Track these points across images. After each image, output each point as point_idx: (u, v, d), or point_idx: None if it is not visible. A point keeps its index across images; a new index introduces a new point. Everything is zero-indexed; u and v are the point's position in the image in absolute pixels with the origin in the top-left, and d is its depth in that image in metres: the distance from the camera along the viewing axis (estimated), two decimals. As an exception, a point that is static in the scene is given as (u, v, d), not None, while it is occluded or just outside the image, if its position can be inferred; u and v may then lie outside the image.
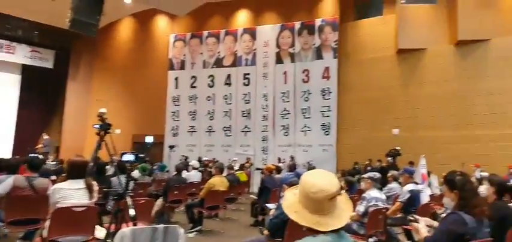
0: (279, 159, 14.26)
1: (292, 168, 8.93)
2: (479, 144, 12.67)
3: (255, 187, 12.39)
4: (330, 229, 1.71)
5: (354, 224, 4.98)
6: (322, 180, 1.76)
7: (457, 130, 13.27)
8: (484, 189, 4.37)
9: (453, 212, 2.93)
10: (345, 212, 1.79)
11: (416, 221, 3.02)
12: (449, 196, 3.06)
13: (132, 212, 3.38)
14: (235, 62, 17.36)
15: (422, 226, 3.00)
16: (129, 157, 3.68)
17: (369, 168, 11.07)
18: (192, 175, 9.55)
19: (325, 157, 14.91)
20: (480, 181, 7.18)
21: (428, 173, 8.64)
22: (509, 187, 4.89)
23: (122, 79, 19.36)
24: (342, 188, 2.06)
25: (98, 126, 3.66)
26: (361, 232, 4.86)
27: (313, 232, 1.74)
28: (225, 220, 8.44)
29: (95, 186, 3.88)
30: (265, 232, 4.11)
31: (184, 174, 9.17)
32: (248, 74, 17.05)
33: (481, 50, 13.25)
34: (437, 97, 13.80)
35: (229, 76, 17.40)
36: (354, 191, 7.27)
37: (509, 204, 4.55)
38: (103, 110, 3.77)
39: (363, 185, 5.79)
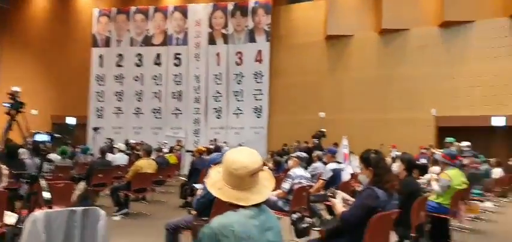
0: (211, 141, 14.24)
1: (217, 149, 9.02)
2: (397, 126, 13.78)
3: (186, 170, 12.24)
4: (250, 204, 1.75)
5: (280, 201, 5.16)
6: (244, 156, 1.79)
7: (378, 113, 14.28)
8: (396, 166, 4.77)
9: (368, 187, 3.16)
10: (266, 188, 1.84)
11: (333, 196, 3.22)
12: (365, 173, 3.28)
13: (46, 195, 3.15)
14: (166, 41, 16.81)
15: (339, 201, 3.21)
16: (43, 137, 3.37)
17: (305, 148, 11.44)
18: (118, 158, 9.18)
19: (257, 139, 15.19)
20: (394, 159, 7.82)
21: (351, 153, 9.21)
22: (417, 165, 5.38)
23: (39, 56, 17.78)
24: (264, 164, 2.12)
25: (8, 105, 3.33)
26: (286, 208, 5.06)
27: (235, 207, 1.77)
28: (153, 202, 8.26)
29: (4, 170, 3.55)
30: (193, 211, 4.10)
31: (110, 156, 8.79)
32: (179, 54, 16.64)
33: (401, 39, 14.31)
34: (361, 83, 14.67)
35: (159, 55, 16.82)
36: (281, 170, 7.54)
37: (417, 180, 5.03)
38: (16, 88, 3.43)
39: (290, 163, 6.02)
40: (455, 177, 5.31)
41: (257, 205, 1.79)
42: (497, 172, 9.73)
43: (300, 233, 4.65)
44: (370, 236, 2.91)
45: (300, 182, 5.23)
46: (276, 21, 16.16)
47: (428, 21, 13.95)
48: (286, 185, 5.18)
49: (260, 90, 15.83)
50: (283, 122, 15.50)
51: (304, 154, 5.96)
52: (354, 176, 6.94)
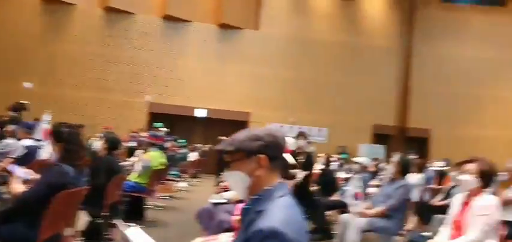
0: None
1: None
2: (114, 108, 13.74)
3: None
4: None
5: None
6: None
7: (96, 92, 13.77)
8: (99, 144, 4.70)
9: (56, 164, 2.92)
10: None
11: (11, 174, 2.81)
12: (55, 148, 3.02)
13: None
14: None
15: (16, 180, 2.84)
16: None
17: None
18: None
19: None
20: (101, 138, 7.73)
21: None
22: (120, 145, 5.51)
23: None
24: None
25: None
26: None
27: None
28: None
29: None
30: None
31: None
32: None
33: (125, 22, 14.28)
34: (80, 57, 13.79)
35: None
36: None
37: (123, 161, 5.13)
38: None
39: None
40: (155, 158, 5.76)
41: None
42: (193, 156, 11.35)
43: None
44: (52, 215, 2.68)
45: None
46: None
47: (153, 10, 14.57)
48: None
49: None
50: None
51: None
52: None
